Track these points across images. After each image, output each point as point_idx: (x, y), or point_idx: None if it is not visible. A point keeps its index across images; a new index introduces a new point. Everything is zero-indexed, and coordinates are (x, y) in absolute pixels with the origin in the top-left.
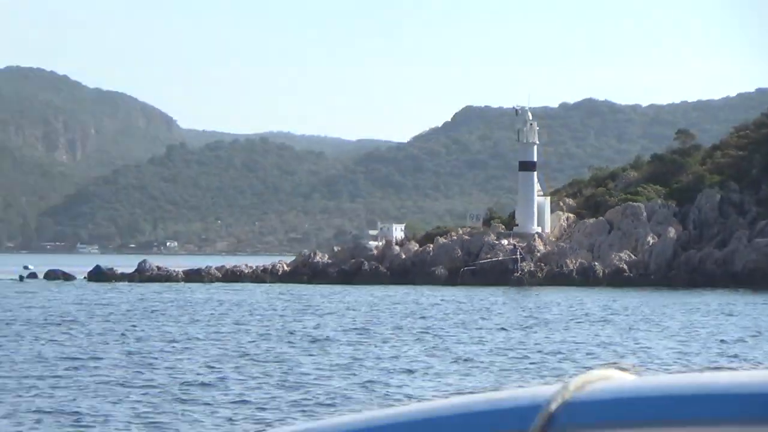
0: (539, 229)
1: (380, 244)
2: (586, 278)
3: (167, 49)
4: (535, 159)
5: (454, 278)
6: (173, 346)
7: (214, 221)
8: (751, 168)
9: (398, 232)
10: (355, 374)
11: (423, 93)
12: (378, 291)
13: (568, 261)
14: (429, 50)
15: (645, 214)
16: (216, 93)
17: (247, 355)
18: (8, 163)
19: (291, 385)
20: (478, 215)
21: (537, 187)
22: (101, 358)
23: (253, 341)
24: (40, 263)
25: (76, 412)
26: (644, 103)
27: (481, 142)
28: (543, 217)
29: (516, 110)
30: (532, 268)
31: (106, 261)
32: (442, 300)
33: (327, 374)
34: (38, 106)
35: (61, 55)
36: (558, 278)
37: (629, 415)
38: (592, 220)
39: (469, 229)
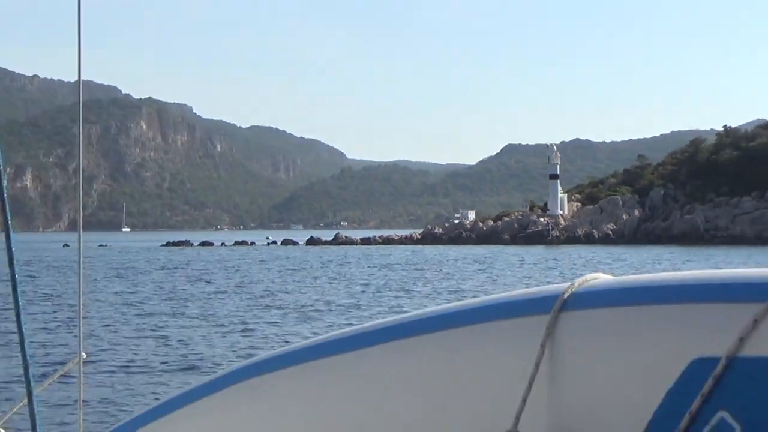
0: (561, 212)
1: (470, 221)
2: (588, 239)
3: (343, 105)
4: (558, 173)
5: (514, 240)
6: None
7: (367, 210)
8: (680, 176)
9: (471, 215)
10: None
11: (481, 132)
12: (469, 249)
13: (578, 230)
14: (486, 102)
15: (621, 202)
16: (366, 132)
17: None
18: (252, 180)
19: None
20: (525, 204)
21: (559, 188)
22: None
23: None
24: (274, 236)
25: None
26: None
27: (517, 165)
28: (563, 205)
29: (547, 145)
30: (557, 234)
31: (312, 233)
32: (505, 253)
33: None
34: (269, 147)
35: (282, 116)
36: (573, 240)
37: (617, 299)
38: (591, 206)
39: (520, 213)
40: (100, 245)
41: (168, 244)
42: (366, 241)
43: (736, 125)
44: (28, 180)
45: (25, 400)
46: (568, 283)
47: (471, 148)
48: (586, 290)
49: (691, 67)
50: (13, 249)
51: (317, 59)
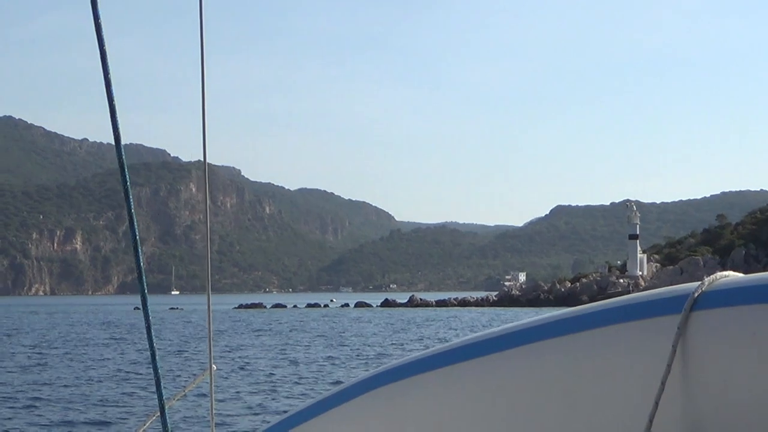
0: (641, 273)
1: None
2: None
3: (391, 166)
4: (638, 232)
5: (593, 302)
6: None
7: (416, 272)
8: (762, 235)
9: (522, 277)
10: None
11: (529, 193)
12: (547, 312)
13: None
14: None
15: (702, 263)
16: (414, 194)
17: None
18: (300, 242)
19: None
20: (603, 267)
21: (638, 248)
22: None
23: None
24: (331, 298)
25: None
26: (659, 201)
27: (566, 226)
28: (642, 266)
29: (626, 204)
30: None
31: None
32: None
33: None
34: (318, 209)
35: (329, 178)
36: None
37: (749, 297)
38: (671, 267)
39: (598, 274)
40: (171, 308)
41: (240, 306)
42: (442, 304)
43: None
44: (77, 243)
45: (158, 414)
46: (699, 282)
47: (518, 210)
48: (717, 289)
49: (735, 127)
50: (142, 264)
51: (364, 120)
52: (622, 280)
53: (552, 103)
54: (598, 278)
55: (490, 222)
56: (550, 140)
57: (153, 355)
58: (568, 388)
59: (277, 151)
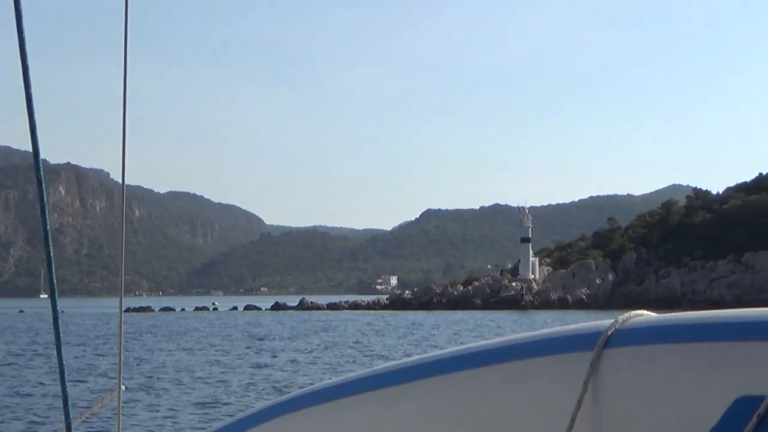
0: (533, 276)
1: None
2: (563, 304)
3: (260, 173)
4: (530, 236)
5: (486, 305)
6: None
7: (287, 276)
8: (652, 239)
9: (394, 281)
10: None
11: (398, 197)
12: (448, 314)
13: (551, 294)
14: (403, 167)
15: (594, 266)
16: (285, 200)
17: None
18: (170, 245)
19: None
20: (494, 270)
21: (530, 252)
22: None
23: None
24: (214, 302)
25: None
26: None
27: (436, 230)
28: (534, 269)
29: (519, 208)
30: (531, 299)
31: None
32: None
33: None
34: (187, 212)
35: (199, 181)
36: (547, 305)
37: (661, 337)
38: (563, 271)
39: (490, 277)
40: (64, 310)
41: (129, 310)
42: (333, 307)
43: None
44: None
45: None
46: (612, 320)
47: (388, 214)
48: (629, 327)
49: (602, 133)
50: (55, 280)
51: (233, 123)
52: (514, 284)
53: (421, 109)
54: (491, 281)
55: (359, 226)
56: (419, 144)
57: (62, 373)
58: (480, 421)
59: (146, 154)
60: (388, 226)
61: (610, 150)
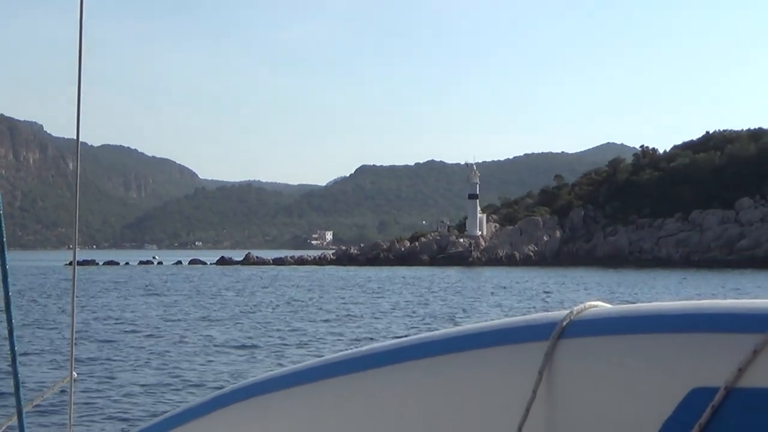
0: (480, 233)
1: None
2: (510, 261)
3: (194, 127)
4: (477, 192)
5: (433, 261)
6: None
7: (222, 231)
8: (599, 196)
9: (329, 236)
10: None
11: (332, 152)
12: (396, 270)
13: (498, 251)
14: (338, 123)
15: (541, 223)
16: (219, 155)
17: None
18: (104, 198)
19: None
20: (442, 224)
21: (478, 208)
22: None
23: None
24: (154, 255)
25: None
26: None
27: (371, 186)
28: (482, 226)
29: (467, 164)
30: (478, 255)
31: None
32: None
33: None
34: (121, 166)
35: (133, 135)
36: (494, 261)
37: (617, 328)
38: (510, 227)
39: (437, 234)
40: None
41: (71, 264)
42: (279, 262)
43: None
44: None
45: (15, 419)
46: (567, 311)
47: (322, 169)
48: (585, 318)
49: (540, 91)
50: (7, 266)
51: (167, 77)
52: (462, 240)
53: (356, 64)
54: (438, 238)
55: (294, 181)
56: (354, 100)
57: (13, 358)
58: (435, 410)
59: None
60: (322, 181)
61: (544, 108)
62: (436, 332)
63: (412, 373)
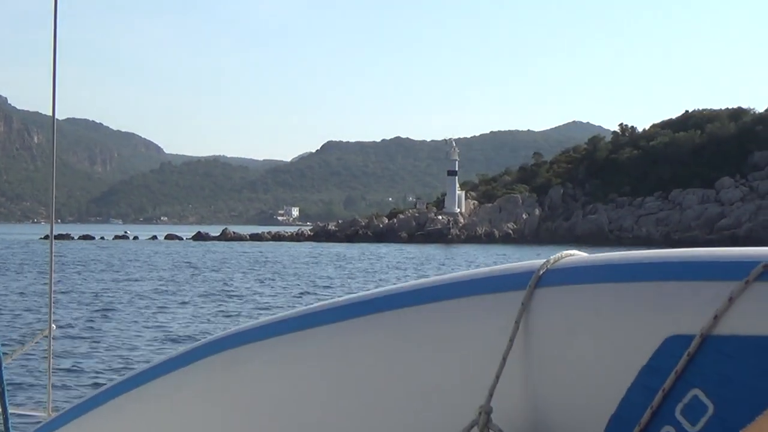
0: (459, 210)
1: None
2: (489, 239)
3: (160, 102)
4: (456, 169)
5: (411, 238)
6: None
7: (187, 206)
8: (578, 174)
9: (295, 212)
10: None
11: (298, 128)
12: (377, 247)
13: (477, 228)
14: (304, 98)
15: (520, 201)
16: (184, 129)
17: None
18: (69, 172)
19: None
20: (420, 201)
21: (457, 185)
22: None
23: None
24: (126, 230)
25: None
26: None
27: (338, 162)
28: (461, 203)
29: (446, 140)
30: (457, 233)
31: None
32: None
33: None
34: (86, 139)
35: (98, 107)
36: (473, 239)
37: (593, 277)
38: (489, 205)
39: (415, 210)
40: None
41: (46, 237)
42: (256, 237)
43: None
44: None
45: None
46: (544, 260)
47: (287, 145)
48: (561, 267)
49: (506, 69)
50: None
51: (134, 51)
52: (440, 217)
53: (322, 39)
54: (417, 214)
55: (259, 156)
56: (320, 76)
57: None
58: (411, 360)
59: (44, 80)
60: (287, 157)
61: (510, 86)
62: (413, 282)
63: (387, 324)
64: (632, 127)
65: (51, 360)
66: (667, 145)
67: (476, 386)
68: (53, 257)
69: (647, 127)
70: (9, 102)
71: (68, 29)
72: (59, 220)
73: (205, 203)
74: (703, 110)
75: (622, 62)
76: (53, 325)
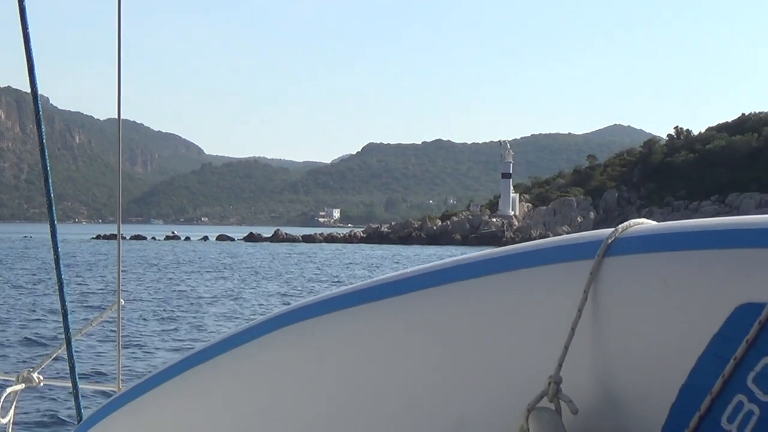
0: (513, 213)
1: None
2: None
3: (200, 103)
4: (511, 171)
5: (465, 240)
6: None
7: (228, 206)
8: (632, 177)
9: (336, 214)
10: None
11: (337, 130)
12: (435, 249)
13: (532, 231)
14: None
15: (575, 204)
16: (224, 131)
17: None
18: (110, 173)
19: None
20: (477, 205)
21: (511, 188)
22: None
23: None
24: (173, 230)
25: None
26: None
27: (378, 164)
28: (515, 205)
29: (500, 142)
30: (512, 235)
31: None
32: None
33: None
34: (126, 141)
35: (139, 109)
36: (528, 241)
37: (662, 245)
38: (543, 208)
39: (469, 213)
40: (25, 236)
41: (99, 237)
42: (309, 239)
43: (590, 131)
44: None
45: (64, 347)
46: (613, 229)
47: (327, 146)
48: (630, 235)
49: (548, 72)
50: (51, 194)
51: (174, 53)
52: (495, 220)
53: (364, 41)
54: (470, 217)
55: (299, 158)
56: (361, 78)
57: (60, 287)
58: (480, 331)
59: (86, 80)
60: (327, 159)
61: (550, 88)
62: (481, 252)
63: (455, 295)
64: (687, 130)
65: (120, 334)
66: (723, 149)
67: (545, 357)
68: (120, 253)
69: (702, 131)
70: (51, 102)
71: (107, 30)
72: (100, 220)
73: (245, 204)
74: (760, 113)
75: (666, 65)
76: (122, 300)
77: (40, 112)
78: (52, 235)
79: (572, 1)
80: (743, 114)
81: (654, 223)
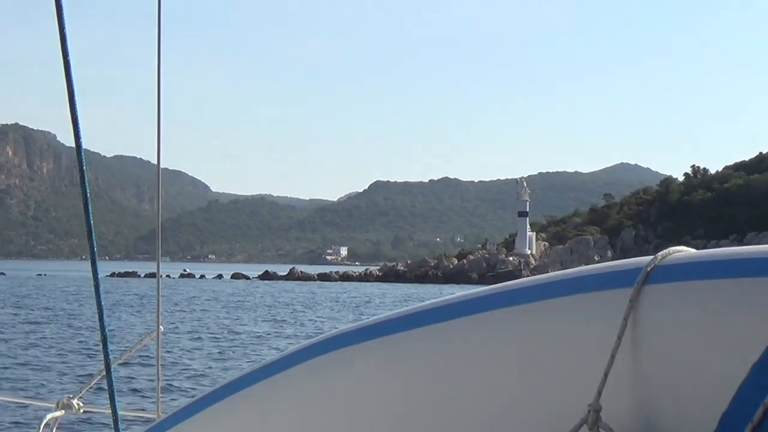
0: (530, 251)
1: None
2: None
3: (207, 140)
4: (527, 210)
5: (482, 279)
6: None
7: (234, 244)
8: (649, 216)
9: (344, 252)
10: None
11: (344, 168)
12: (443, 288)
13: (549, 270)
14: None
15: (592, 243)
16: (231, 168)
17: None
18: (117, 209)
19: None
20: (493, 243)
21: (527, 226)
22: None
23: None
24: (185, 268)
25: None
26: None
27: (385, 202)
28: (532, 244)
29: (516, 180)
30: (529, 274)
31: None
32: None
33: None
34: (134, 177)
35: (145, 146)
36: None
37: (702, 273)
38: (560, 246)
39: (485, 252)
40: (39, 274)
41: (114, 275)
42: (324, 278)
43: (596, 169)
44: None
45: (103, 374)
46: (652, 257)
47: (334, 184)
48: (670, 263)
49: (553, 110)
50: (92, 221)
51: (179, 90)
52: (511, 258)
53: (369, 80)
54: (486, 255)
55: (306, 196)
56: (366, 116)
57: (100, 315)
58: (519, 359)
59: (93, 117)
60: (333, 196)
61: (557, 126)
62: (520, 280)
63: (496, 322)
64: (704, 169)
65: (160, 361)
66: (741, 187)
67: (585, 384)
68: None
69: (720, 169)
70: (58, 138)
71: (116, 66)
72: (107, 257)
73: (252, 242)
74: None
75: (673, 103)
76: (161, 327)
77: (84, 166)
78: (92, 262)
79: (570, 40)
80: (761, 153)
81: (693, 250)
